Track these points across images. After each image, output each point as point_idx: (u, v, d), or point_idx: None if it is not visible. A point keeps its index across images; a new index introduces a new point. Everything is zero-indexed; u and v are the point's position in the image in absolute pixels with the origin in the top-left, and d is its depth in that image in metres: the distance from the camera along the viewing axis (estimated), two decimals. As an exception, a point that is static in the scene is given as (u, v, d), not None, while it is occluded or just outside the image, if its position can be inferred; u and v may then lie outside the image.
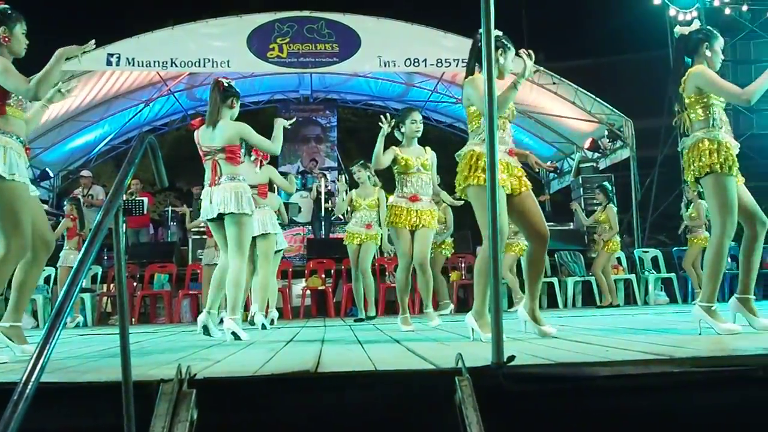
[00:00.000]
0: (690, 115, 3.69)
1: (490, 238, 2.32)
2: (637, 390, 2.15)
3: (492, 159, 2.35)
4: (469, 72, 3.87)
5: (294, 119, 5.44)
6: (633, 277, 9.98)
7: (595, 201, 10.28)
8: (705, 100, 3.63)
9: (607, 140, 12.30)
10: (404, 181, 5.26)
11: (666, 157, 12.29)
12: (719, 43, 3.78)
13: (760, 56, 11.86)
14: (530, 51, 3.78)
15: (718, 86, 3.63)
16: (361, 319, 7.05)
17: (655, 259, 10.30)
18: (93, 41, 3.71)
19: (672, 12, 12.03)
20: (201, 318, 4.68)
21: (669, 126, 8.77)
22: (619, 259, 10.03)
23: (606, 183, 9.85)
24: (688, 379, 2.15)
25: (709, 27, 3.89)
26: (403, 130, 5.27)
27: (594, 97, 11.87)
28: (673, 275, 9.97)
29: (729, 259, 9.55)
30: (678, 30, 3.91)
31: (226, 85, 4.74)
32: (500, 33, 3.77)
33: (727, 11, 12.21)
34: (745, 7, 12.29)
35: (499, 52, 3.81)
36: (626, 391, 2.16)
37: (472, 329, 3.71)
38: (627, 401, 2.15)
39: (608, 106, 11.89)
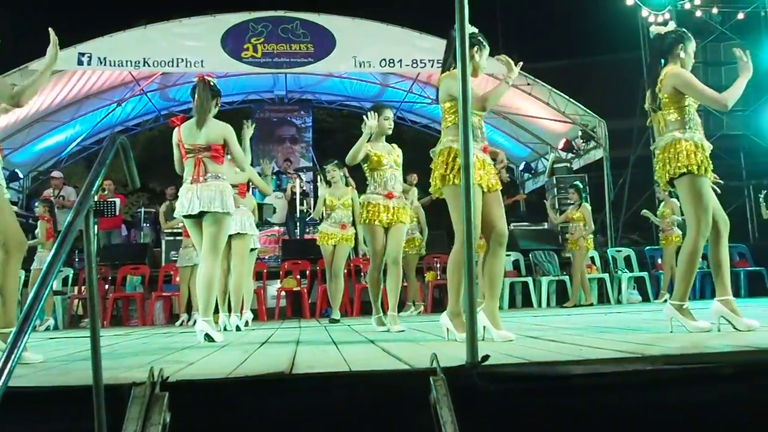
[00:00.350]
0: (665, 115, 3.72)
1: (465, 238, 2.32)
2: (611, 388, 2.17)
3: (466, 158, 2.35)
4: (446, 68, 3.83)
5: (253, 123, 5.38)
6: (606, 276, 10.06)
7: (568, 201, 10.35)
8: (681, 100, 3.67)
9: (581, 141, 12.41)
10: (377, 177, 5.18)
11: (639, 157, 12.44)
12: (692, 46, 3.82)
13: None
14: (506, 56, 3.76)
15: (697, 89, 3.64)
16: (336, 320, 7.02)
17: (627, 259, 10.40)
18: (51, 30, 3.64)
19: (644, 13, 12.19)
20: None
21: (642, 127, 8.84)
22: (592, 258, 10.11)
23: (578, 182, 9.91)
24: (660, 376, 2.17)
25: (684, 29, 3.93)
26: None
27: (568, 98, 11.96)
28: (645, 274, 10.08)
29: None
30: (654, 29, 3.94)
31: (212, 83, 4.69)
32: (475, 30, 3.77)
33: (698, 13, 12.40)
34: (715, 10, 12.48)
35: (475, 49, 3.76)
36: (600, 389, 2.17)
37: (447, 329, 3.70)
38: (601, 399, 2.17)
39: (582, 107, 11.99)
